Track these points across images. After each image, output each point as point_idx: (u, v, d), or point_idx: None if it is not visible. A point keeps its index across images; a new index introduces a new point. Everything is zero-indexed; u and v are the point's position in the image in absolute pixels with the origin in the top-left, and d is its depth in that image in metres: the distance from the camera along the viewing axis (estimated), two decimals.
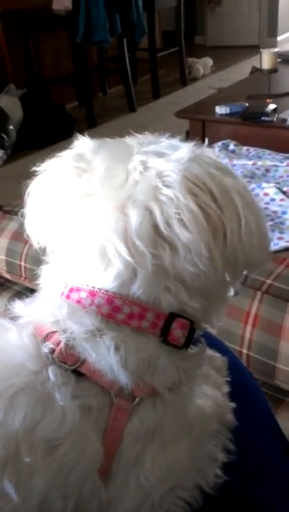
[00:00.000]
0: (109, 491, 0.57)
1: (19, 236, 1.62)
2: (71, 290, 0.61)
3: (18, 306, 0.65)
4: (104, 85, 5.35)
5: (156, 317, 0.59)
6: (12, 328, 0.62)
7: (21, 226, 1.58)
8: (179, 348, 0.60)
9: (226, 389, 0.71)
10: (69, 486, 0.55)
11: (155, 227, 0.57)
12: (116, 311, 0.59)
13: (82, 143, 0.65)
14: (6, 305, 1.60)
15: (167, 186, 0.56)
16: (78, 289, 0.60)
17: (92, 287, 0.60)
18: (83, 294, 0.60)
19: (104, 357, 0.57)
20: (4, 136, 3.87)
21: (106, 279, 0.59)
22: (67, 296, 0.61)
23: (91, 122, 4.46)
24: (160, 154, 0.60)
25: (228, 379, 0.73)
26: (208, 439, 0.63)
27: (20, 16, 4.36)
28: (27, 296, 1.73)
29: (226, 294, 0.66)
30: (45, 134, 4.08)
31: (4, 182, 3.45)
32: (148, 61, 5.04)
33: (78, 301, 0.60)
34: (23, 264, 1.59)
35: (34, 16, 4.42)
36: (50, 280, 0.66)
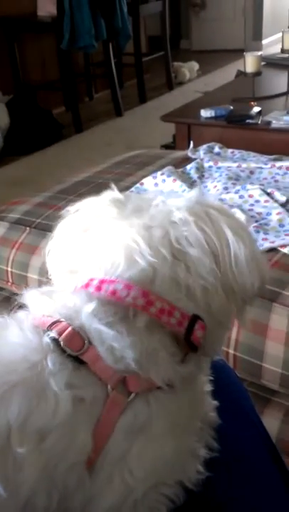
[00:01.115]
0: (92, 485, 0.57)
1: (5, 241, 1.62)
2: (102, 282, 0.63)
3: (31, 296, 0.66)
4: (91, 90, 5.36)
5: (182, 316, 0.62)
6: (11, 323, 0.62)
7: (8, 231, 1.60)
8: (194, 351, 0.63)
9: (209, 387, 0.72)
10: (55, 479, 0.55)
11: (171, 243, 0.64)
12: (150, 305, 0.61)
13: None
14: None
15: (178, 210, 0.66)
16: (112, 281, 0.62)
17: (128, 279, 0.63)
18: (119, 286, 0.62)
19: (117, 340, 0.59)
20: None
21: (130, 274, 0.63)
22: (98, 288, 0.62)
23: (78, 127, 4.46)
24: (175, 196, 0.72)
25: (211, 378, 0.74)
26: (191, 436, 0.64)
27: (5, 23, 4.36)
28: (15, 302, 1.72)
29: (228, 320, 0.69)
30: (33, 140, 4.09)
31: None
32: (134, 66, 5.06)
33: (113, 292, 0.62)
34: (9, 269, 1.59)
35: (19, 23, 4.42)
36: (67, 277, 0.68)
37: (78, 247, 0.69)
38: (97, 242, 0.67)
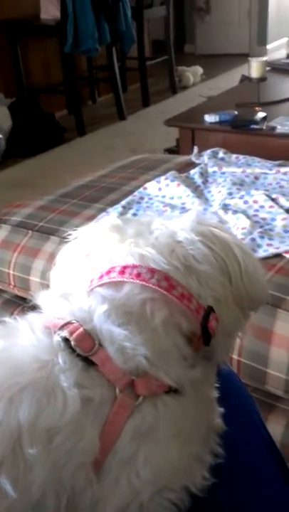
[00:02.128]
0: (99, 488, 0.58)
1: (8, 244, 1.62)
2: (125, 267, 0.64)
3: (46, 298, 0.67)
4: (94, 94, 5.37)
5: (198, 305, 0.64)
6: (23, 324, 0.63)
7: (10, 234, 1.60)
8: (206, 345, 0.64)
9: (215, 394, 0.72)
10: (63, 480, 0.56)
11: (180, 259, 0.65)
12: (173, 288, 0.63)
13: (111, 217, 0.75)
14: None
15: (182, 231, 0.68)
16: (135, 266, 0.64)
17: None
18: (143, 270, 0.63)
19: (129, 340, 0.59)
20: None
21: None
22: (122, 272, 0.63)
23: (80, 131, 4.47)
24: (173, 217, 0.73)
25: (217, 385, 0.73)
26: (197, 442, 0.63)
27: (9, 26, 4.37)
28: (17, 304, 1.72)
29: (237, 330, 0.72)
30: (35, 143, 4.10)
31: None
32: (138, 70, 5.07)
33: (138, 275, 0.63)
34: (11, 272, 1.59)
35: (22, 26, 4.43)
36: (73, 278, 0.69)
37: (84, 269, 0.69)
38: (105, 258, 0.68)
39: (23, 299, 1.64)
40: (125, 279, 0.63)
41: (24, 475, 0.54)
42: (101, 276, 0.65)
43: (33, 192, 1.99)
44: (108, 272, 0.64)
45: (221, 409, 0.72)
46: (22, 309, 1.63)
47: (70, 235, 0.74)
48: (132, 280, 0.63)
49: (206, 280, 0.65)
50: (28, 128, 4.12)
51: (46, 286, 0.74)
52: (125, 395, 0.59)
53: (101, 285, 0.64)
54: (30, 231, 1.61)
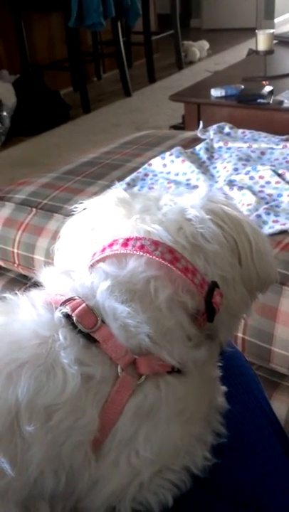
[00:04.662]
0: (98, 467, 0.57)
1: (12, 222, 1.61)
2: (128, 239, 0.63)
3: (48, 274, 0.66)
4: (99, 70, 5.31)
5: (203, 280, 0.63)
6: (24, 300, 0.62)
7: (14, 212, 1.59)
8: (210, 321, 0.64)
9: (218, 373, 0.71)
10: (62, 458, 0.55)
11: (187, 237, 0.64)
12: (177, 260, 0.62)
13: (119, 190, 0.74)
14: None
15: (192, 208, 0.66)
16: (139, 238, 0.63)
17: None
18: (146, 242, 0.62)
19: (133, 317, 0.58)
20: None
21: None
22: (125, 244, 0.62)
23: (86, 108, 4.43)
24: (182, 193, 0.72)
25: (220, 364, 0.72)
26: (198, 422, 0.63)
27: (12, 0, 4.31)
28: (22, 283, 1.71)
29: (241, 312, 0.71)
30: (40, 120, 4.06)
31: None
32: (143, 45, 5.00)
33: (141, 247, 0.62)
34: (16, 250, 1.58)
35: (26, 0, 4.36)
36: (77, 253, 0.69)
37: (87, 243, 0.68)
38: (109, 233, 0.66)
39: (28, 278, 1.63)
40: (128, 251, 0.62)
41: (22, 453, 0.53)
42: (103, 249, 0.64)
43: (38, 170, 1.97)
44: (111, 245, 0.63)
45: (224, 388, 0.71)
46: (26, 288, 1.62)
47: (76, 208, 0.73)
48: (135, 252, 0.62)
49: (213, 259, 0.64)
50: (33, 105, 4.08)
51: (50, 265, 0.73)
52: (127, 374, 0.58)
53: (103, 258, 0.63)
54: (34, 209, 1.60)
